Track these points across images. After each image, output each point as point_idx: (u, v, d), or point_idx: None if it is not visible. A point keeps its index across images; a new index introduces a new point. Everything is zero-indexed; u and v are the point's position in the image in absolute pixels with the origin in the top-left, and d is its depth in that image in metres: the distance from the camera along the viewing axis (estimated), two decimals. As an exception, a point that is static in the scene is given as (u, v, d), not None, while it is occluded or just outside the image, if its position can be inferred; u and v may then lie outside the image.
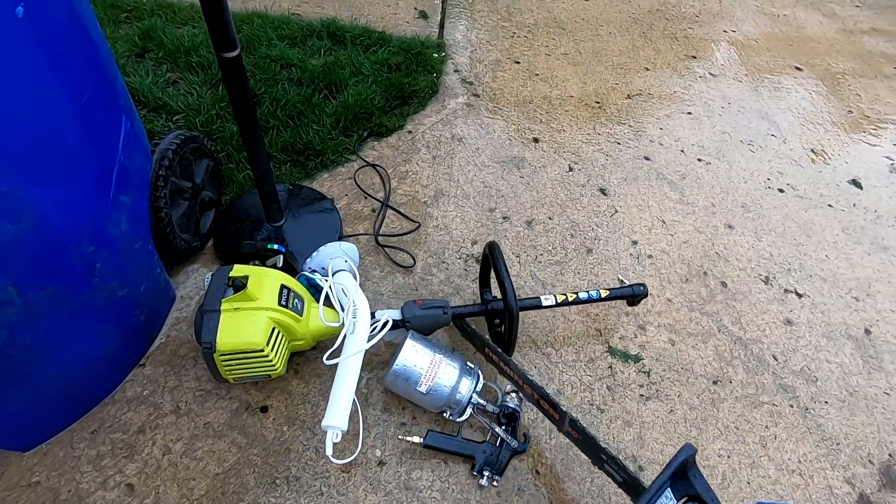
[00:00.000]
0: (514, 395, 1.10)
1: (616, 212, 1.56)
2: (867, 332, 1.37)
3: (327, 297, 1.08)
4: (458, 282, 1.34)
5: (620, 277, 1.38)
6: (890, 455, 1.16)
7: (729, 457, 1.12)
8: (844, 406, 1.22)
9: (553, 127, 1.81)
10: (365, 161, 1.58)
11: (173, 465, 0.99)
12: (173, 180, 1.14)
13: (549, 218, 1.52)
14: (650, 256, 1.46)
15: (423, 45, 2.00)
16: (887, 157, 1.88)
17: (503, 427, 1.07)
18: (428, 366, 1.04)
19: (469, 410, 1.08)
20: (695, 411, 1.17)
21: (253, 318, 0.96)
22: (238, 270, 1.00)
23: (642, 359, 1.25)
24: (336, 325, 1.06)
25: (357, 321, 1.05)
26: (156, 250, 1.09)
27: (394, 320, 1.11)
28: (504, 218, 1.51)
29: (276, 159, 1.52)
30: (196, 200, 1.26)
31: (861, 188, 1.76)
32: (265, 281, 1.01)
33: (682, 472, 0.81)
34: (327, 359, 0.97)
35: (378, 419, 1.09)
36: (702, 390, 1.21)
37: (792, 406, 1.21)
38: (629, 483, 0.90)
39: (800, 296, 1.42)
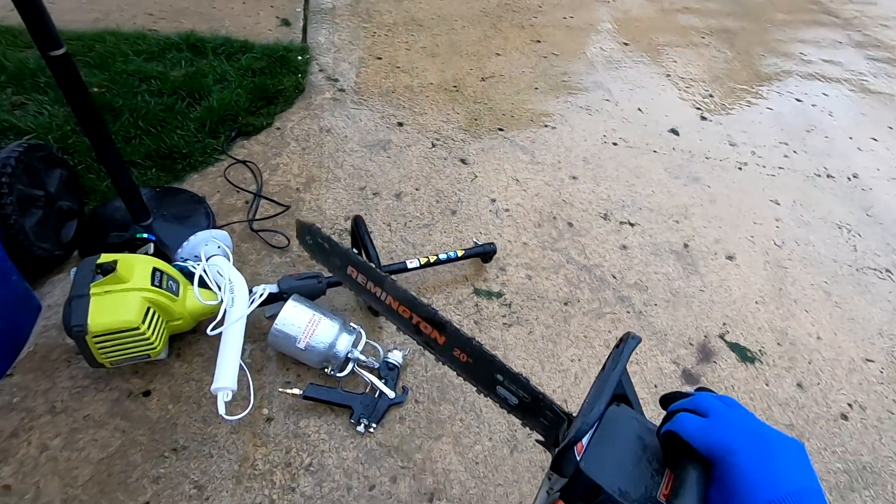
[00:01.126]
0: (395, 351, 1.22)
1: (476, 177, 1.75)
2: (685, 246, 1.65)
3: (202, 279, 1.14)
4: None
5: (476, 241, 1.55)
6: (705, 336, 1.42)
7: (579, 360, 1.31)
8: (669, 305, 1.47)
9: (415, 111, 1.97)
10: (235, 159, 1.64)
11: (52, 459, 1.00)
12: (20, 188, 1.14)
13: (416, 189, 1.67)
14: (507, 210, 1.65)
15: (286, 49, 2.09)
16: (697, 108, 2.25)
17: (383, 381, 1.18)
18: (306, 324, 1.13)
19: (350, 366, 1.18)
20: (550, 329, 1.36)
21: (125, 299, 1.00)
22: (106, 257, 1.03)
23: (504, 294, 1.42)
24: (214, 302, 1.12)
25: (235, 296, 1.12)
26: (8, 257, 1.09)
27: (271, 293, 1.19)
28: (374, 194, 1.63)
29: (140, 165, 1.54)
30: (52, 209, 1.26)
31: (678, 135, 2.09)
32: (136, 264, 1.05)
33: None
34: (211, 329, 1.03)
35: (264, 382, 1.16)
36: (555, 311, 1.40)
37: (629, 312, 1.44)
38: (527, 402, 0.78)
39: (632, 225, 1.68)
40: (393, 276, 1.34)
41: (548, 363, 1.29)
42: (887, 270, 1.69)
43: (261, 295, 1.14)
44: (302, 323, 1.12)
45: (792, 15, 3.29)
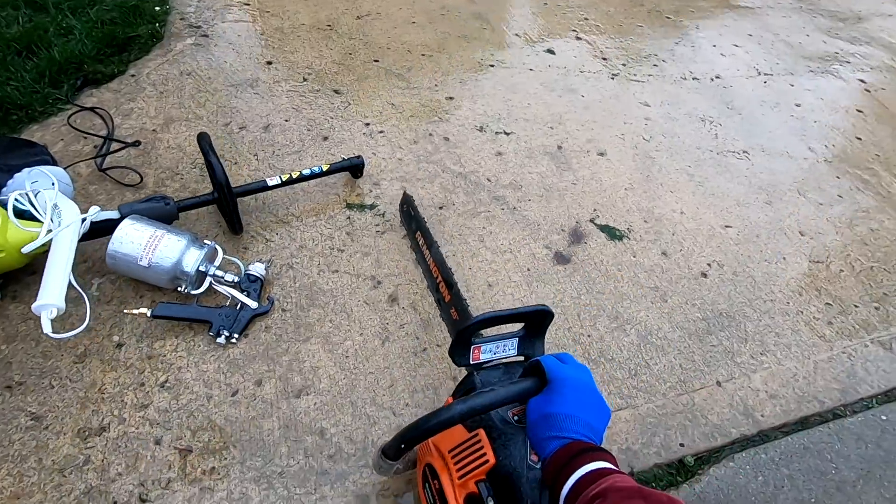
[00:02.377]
0: (257, 264, 1.18)
1: (349, 104, 1.71)
2: (559, 147, 1.69)
3: (25, 210, 1.05)
4: (195, 187, 1.38)
5: (343, 156, 1.52)
6: (577, 222, 1.46)
7: (454, 255, 1.32)
8: (542, 199, 1.51)
9: (286, 51, 1.90)
10: (80, 107, 1.52)
11: None
12: None
13: (286, 120, 1.62)
14: (382, 132, 1.64)
15: (141, 0, 1.96)
16: (573, 31, 2.30)
17: (245, 293, 1.14)
18: (147, 240, 1.06)
19: (208, 282, 1.13)
20: (424, 232, 1.36)
21: None
22: None
23: (377, 206, 1.41)
24: (36, 229, 1.03)
25: (63, 219, 1.04)
26: None
27: (110, 219, 1.11)
28: (240, 128, 1.57)
29: (-35, 119, 1.40)
30: None
31: (554, 54, 2.13)
32: None
33: None
34: (26, 249, 0.95)
35: (114, 312, 1.09)
36: (430, 215, 1.40)
37: (503, 209, 1.46)
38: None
39: (508, 134, 1.71)
40: (254, 196, 1.31)
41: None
42: (744, 152, 1.81)
43: (94, 216, 1.07)
44: (141, 240, 1.05)
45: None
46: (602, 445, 0.63)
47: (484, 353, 0.78)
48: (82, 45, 1.68)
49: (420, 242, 1.24)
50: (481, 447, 0.68)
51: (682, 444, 1.06)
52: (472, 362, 0.78)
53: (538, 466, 0.65)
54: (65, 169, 1.32)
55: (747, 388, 1.17)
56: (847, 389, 1.20)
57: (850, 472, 1.06)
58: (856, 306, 1.38)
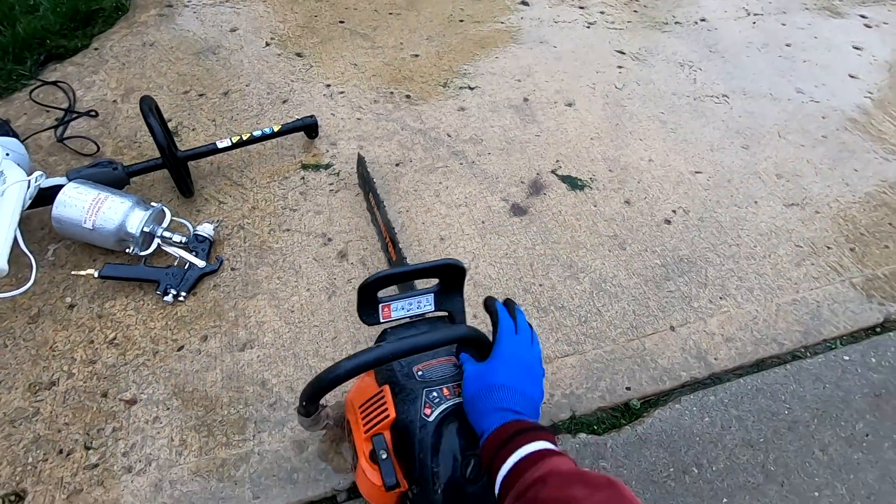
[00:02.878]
0: (205, 224, 1.20)
1: (311, 67, 1.69)
2: (525, 100, 1.64)
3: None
4: (152, 154, 1.39)
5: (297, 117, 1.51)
6: (537, 174, 1.43)
7: (408, 211, 1.31)
8: (503, 152, 1.48)
9: (250, 17, 1.88)
10: (43, 81, 1.54)
11: None
12: None
13: (246, 86, 1.61)
14: (342, 93, 1.61)
15: (106, -26, 1.95)
16: (550, -20, 2.21)
17: (193, 253, 1.15)
18: (90, 203, 1.08)
19: (156, 243, 1.15)
20: (380, 189, 1.34)
21: None
22: None
23: (332, 165, 1.40)
24: (-17, 196, 1.06)
25: (6, 185, 1.06)
26: None
27: (58, 185, 1.13)
28: (199, 95, 1.56)
29: (-71, 97, 1.44)
30: None
31: (528, 5, 2.05)
32: None
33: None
34: None
35: (67, 275, 1.12)
36: (386, 173, 1.39)
37: (461, 164, 1.44)
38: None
39: (472, 89, 1.66)
40: (207, 158, 1.31)
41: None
42: (724, 96, 1.72)
43: (38, 180, 1.09)
44: (84, 203, 1.07)
45: None
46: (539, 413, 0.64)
47: (395, 310, 0.76)
48: (46, 21, 1.69)
49: (372, 203, 1.24)
50: (384, 402, 0.69)
51: (628, 388, 1.04)
52: (381, 320, 0.76)
53: (430, 420, 0.65)
54: (22, 141, 1.34)
55: (702, 332, 1.14)
56: (810, 331, 1.16)
57: (804, 413, 1.04)
58: (829, 248, 1.32)
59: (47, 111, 1.47)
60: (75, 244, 1.17)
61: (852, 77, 1.86)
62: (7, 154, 1.18)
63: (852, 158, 1.56)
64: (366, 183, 1.28)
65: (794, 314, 1.18)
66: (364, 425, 0.70)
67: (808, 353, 1.13)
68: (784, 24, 2.07)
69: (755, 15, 2.11)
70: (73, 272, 1.09)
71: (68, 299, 1.09)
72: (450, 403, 0.67)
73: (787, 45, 1.97)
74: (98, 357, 1.01)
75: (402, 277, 0.76)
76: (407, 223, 1.28)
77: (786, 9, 2.17)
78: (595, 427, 1.00)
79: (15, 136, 1.34)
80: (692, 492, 0.93)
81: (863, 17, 2.16)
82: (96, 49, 1.69)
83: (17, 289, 1.00)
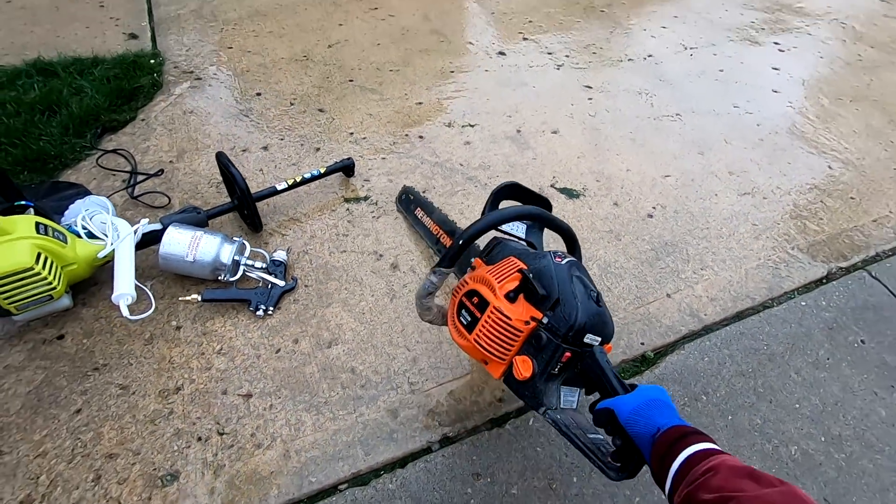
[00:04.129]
0: (279, 251, 1.43)
1: (333, 119, 1.98)
2: (518, 131, 1.97)
3: (89, 231, 1.28)
4: (214, 201, 1.62)
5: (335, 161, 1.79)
6: (539, 188, 1.73)
7: (440, 227, 1.58)
8: (508, 174, 1.78)
9: (271, 82, 2.17)
10: (104, 150, 1.77)
11: (-19, 400, 1.12)
12: None
13: (281, 140, 1.88)
14: (364, 138, 1.90)
15: (137, 56, 2.22)
16: (520, 33, 2.61)
17: (272, 275, 1.38)
18: (190, 241, 1.31)
19: (241, 270, 1.38)
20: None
21: (13, 246, 1.11)
22: (-18, 221, 1.16)
23: (370, 197, 1.67)
24: (102, 242, 1.27)
25: (119, 234, 1.28)
26: None
27: (155, 231, 1.36)
28: (243, 150, 1.82)
29: (10, 172, 1.64)
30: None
31: (505, 55, 2.43)
32: (17, 220, 1.16)
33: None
34: (100, 254, 1.18)
35: (169, 303, 1.33)
36: (416, 199, 1.66)
37: (476, 186, 1.73)
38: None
39: (473, 126, 1.98)
40: (265, 201, 1.55)
41: (413, 235, 1.54)
42: (677, 114, 2.10)
43: (143, 227, 1.31)
44: (185, 241, 1.30)
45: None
46: None
47: (505, 226, 1.06)
48: (95, 100, 1.93)
49: (420, 216, 1.50)
50: (514, 262, 0.94)
51: (642, 343, 1.31)
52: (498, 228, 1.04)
53: (563, 263, 0.90)
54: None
55: (692, 296, 1.42)
56: (773, 287, 1.46)
57: (778, 347, 1.32)
58: (777, 224, 1.65)
59: (113, 175, 1.70)
60: (168, 278, 1.38)
61: (775, 92, 2.28)
62: (107, 207, 1.41)
63: (785, 155, 1.94)
64: (412, 203, 1.55)
65: (760, 275, 1.49)
66: (497, 280, 0.91)
67: (775, 304, 1.43)
68: (715, 55, 2.51)
69: (691, 49, 2.54)
70: (179, 298, 1.30)
71: (174, 322, 1.29)
72: (570, 258, 0.93)
73: (720, 71, 2.39)
74: (211, 364, 1.21)
75: (522, 193, 1.11)
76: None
77: (714, 41, 2.62)
78: (622, 374, 1.25)
79: (88, 193, 1.56)
80: (704, 413, 1.19)
81: (776, 44, 2.63)
82: (143, 120, 1.94)
83: (145, 312, 1.20)
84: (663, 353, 1.31)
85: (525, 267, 0.93)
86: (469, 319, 0.94)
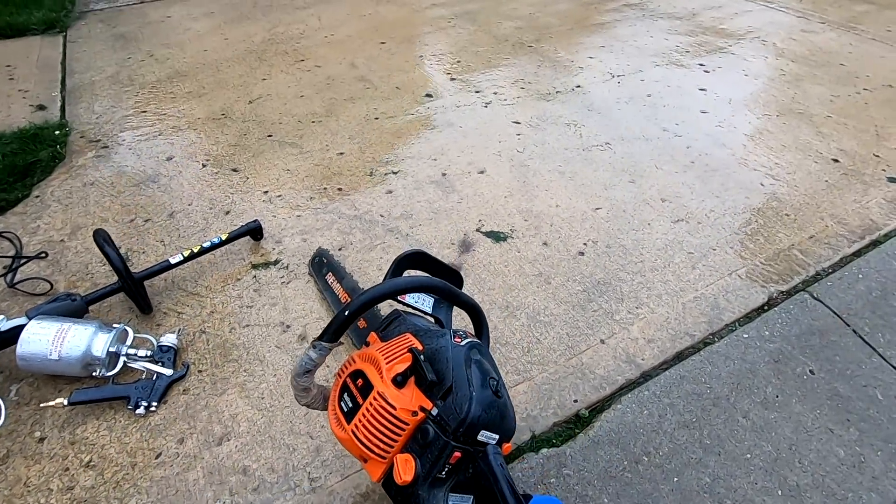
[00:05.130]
0: (168, 335, 1.27)
1: (248, 179, 1.87)
2: (444, 174, 1.88)
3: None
4: (105, 282, 1.46)
5: (241, 224, 1.66)
6: (465, 234, 1.63)
7: (355, 289, 1.45)
8: (432, 221, 1.67)
9: (185, 144, 2.06)
10: (-13, 234, 1.61)
11: None
12: None
13: (189, 205, 1.75)
14: (280, 196, 1.78)
15: (40, 129, 2.09)
16: (447, 74, 2.58)
17: (159, 363, 1.22)
18: (54, 335, 1.14)
19: (122, 361, 1.21)
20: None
21: None
22: None
23: (281, 260, 1.53)
24: (-56, 351, 1.10)
25: (-32, 338, 1.11)
26: None
27: (19, 325, 1.19)
28: (145, 221, 1.68)
29: None
30: None
31: (433, 97, 2.38)
32: None
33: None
34: None
35: (34, 410, 1.15)
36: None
37: (397, 237, 1.61)
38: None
39: (395, 173, 1.89)
40: (162, 275, 1.41)
41: (325, 301, 1.41)
42: (606, 143, 2.05)
43: (1, 325, 1.14)
44: (48, 336, 1.14)
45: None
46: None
47: (409, 298, 0.92)
48: (-17, 180, 1.78)
49: (330, 281, 1.37)
50: (408, 339, 0.81)
51: (575, 401, 1.18)
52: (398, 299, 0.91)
53: (462, 345, 0.79)
54: (-26, 292, 1.39)
55: (627, 340, 1.31)
56: (713, 320, 1.36)
57: (722, 388, 1.21)
58: (713, 250, 1.57)
59: (-6, 261, 1.53)
60: (38, 379, 1.21)
61: (704, 112, 2.27)
62: (-39, 307, 1.24)
63: (717, 176, 1.89)
64: (324, 268, 1.43)
65: (698, 308, 1.39)
66: (386, 361, 0.78)
67: (716, 338, 1.33)
68: (643, 80, 2.51)
69: (618, 76, 2.54)
70: (41, 405, 1.12)
71: (37, 433, 1.11)
72: (471, 339, 0.82)
73: (648, 96, 2.38)
74: (75, 482, 1.03)
75: (431, 264, 1.00)
76: (357, 298, 1.41)
77: (641, 67, 2.63)
78: (554, 440, 1.11)
79: (-36, 289, 1.39)
80: (647, 478, 1.05)
81: (701, 65, 2.66)
82: (37, 196, 1.79)
83: (-13, 431, 1.03)
84: (599, 408, 1.18)
85: (420, 346, 0.80)
86: (350, 406, 0.81)
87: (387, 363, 0.79)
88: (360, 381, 0.81)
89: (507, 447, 0.79)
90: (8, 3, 3.23)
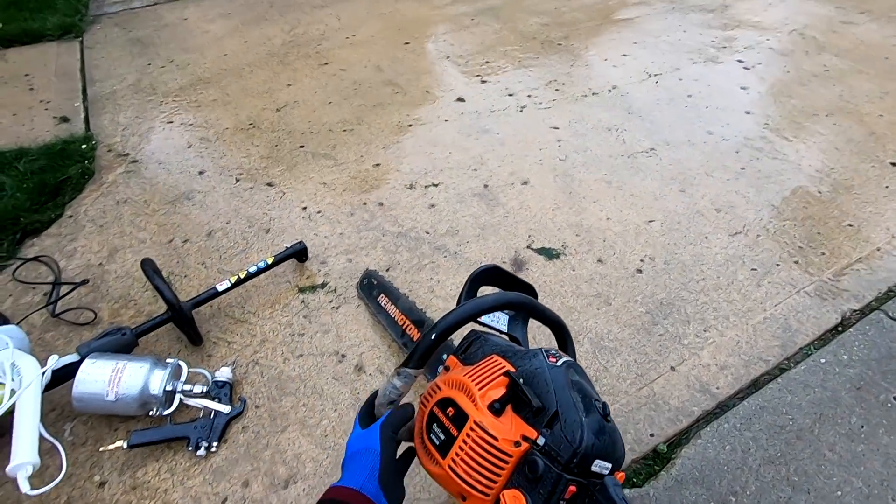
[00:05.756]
0: (222, 369, 1.23)
1: (284, 194, 1.81)
2: (486, 186, 1.82)
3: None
4: (150, 309, 1.42)
5: (286, 244, 1.61)
6: (515, 251, 1.57)
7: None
8: (480, 238, 1.61)
9: (215, 157, 2.00)
10: (23, 259, 1.57)
11: None
12: None
13: (227, 223, 1.69)
14: (319, 212, 1.73)
15: (66, 142, 2.04)
16: (477, 76, 2.50)
17: (216, 400, 1.18)
18: (110, 374, 1.10)
19: (178, 399, 1.17)
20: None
21: None
22: None
23: (328, 283, 1.48)
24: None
25: (23, 377, 1.07)
26: None
27: (70, 363, 1.15)
28: (184, 241, 1.63)
29: None
30: None
31: (465, 101, 2.30)
32: None
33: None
34: None
35: (91, 452, 1.11)
36: (379, 280, 1.49)
37: (445, 256, 1.56)
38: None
39: (436, 185, 1.83)
40: (208, 304, 1.36)
41: (379, 326, 1.35)
42: (651, 149, 1.98)
43: (53, 365, 1.10)
44: (104, 376, 1.09)
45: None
46: None
47: (485, 317, 0.88)
48: (14, 200, 1.73)
49: (384, 303, 1.32)
50: (498, 361, 0.75)
51: (651, 435, 1.13)
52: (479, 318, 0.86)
53: (558, 365, 0.72)
54: (17, 324, 1.35)
55: (699, 367, 1.26)
56: (786, 343, 1.30)
57: (805, 419, 1.15)
58: (777, 265, 1.51)
59: (33, 288, 1.49)
60: (92, 417, 1.17)
61: (748, 113, 2.19)
62: (7, 344, 1.19)
63: (770, 182, 1.82)
64: (374, 289, 1.38)
65: (769, 331, 1.33)
66: (478, 387, 0.72)
67: (791, 364, 1.27)
68: (681, 79, 2.42)
69: (655, 75, 2.46)
70: (100, 448, 1.08)
71: (97, 478, 1.07)
72: (566, 358, 0.75)
73: (689, 96, 2.30)
74: (141, 532, 1.00)
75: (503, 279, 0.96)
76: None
77: (678, 65, 2.54)
78: (635, 480, 1.07)
79: (5, 320, 1.35)
80: (736, 520, 1.00)
81: (740, 61, 2.57)
82: (71, 217, 1.74)
83: (53, 480, 0.98)
84: (677, 443, 1.13)
85: (513, 369, 0.74)
86: (442, 438, 0.75)
87: (479, 389, 0.73)
88: (450, 410, 0.75)
89: (621, 476, 0.74)
90: (22, 9, 3.17)
